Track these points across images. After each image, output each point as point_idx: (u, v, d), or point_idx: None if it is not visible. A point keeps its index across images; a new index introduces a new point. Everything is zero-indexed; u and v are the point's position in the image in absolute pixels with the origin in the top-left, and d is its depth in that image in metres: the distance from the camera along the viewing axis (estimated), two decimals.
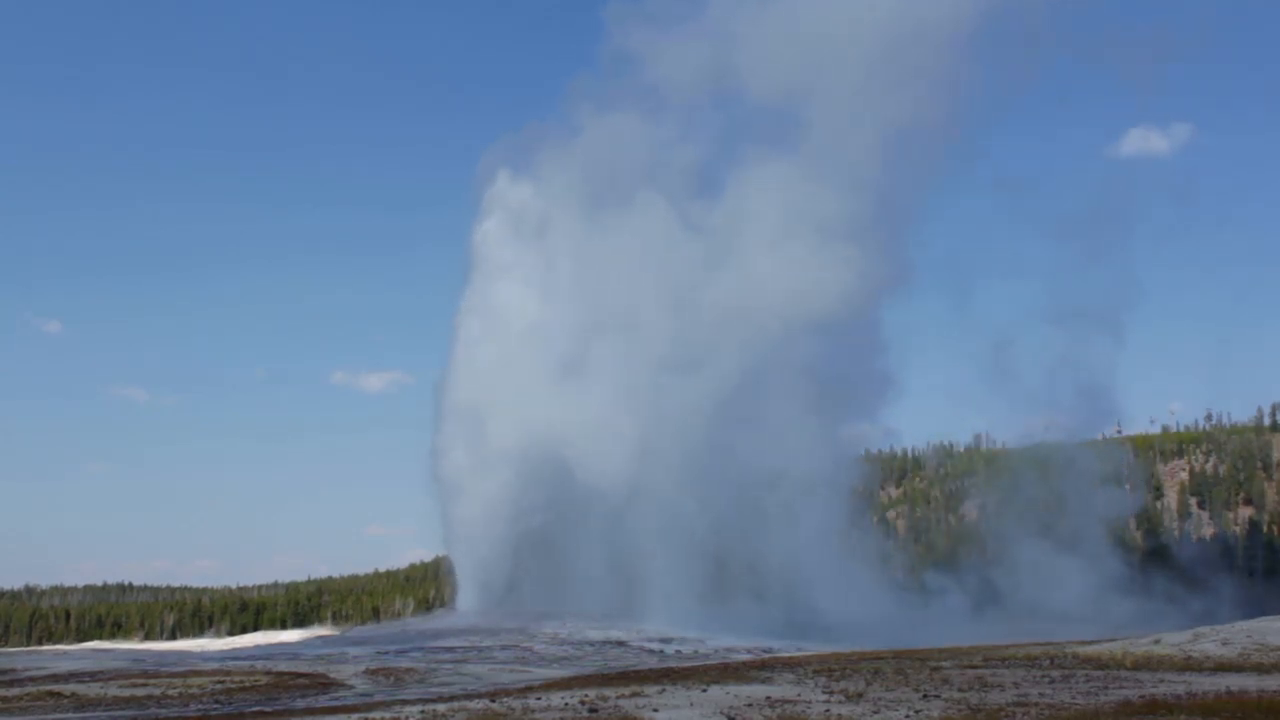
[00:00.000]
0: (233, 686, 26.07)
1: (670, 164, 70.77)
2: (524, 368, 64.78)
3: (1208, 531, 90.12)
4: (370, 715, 17.44)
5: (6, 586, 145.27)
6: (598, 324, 66.06)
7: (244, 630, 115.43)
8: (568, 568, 60.75)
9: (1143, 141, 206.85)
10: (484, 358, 66.03)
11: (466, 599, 61.35)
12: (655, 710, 17.05)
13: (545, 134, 75.17)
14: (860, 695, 18.54)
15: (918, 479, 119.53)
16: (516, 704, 18.00)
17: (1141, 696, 17.52)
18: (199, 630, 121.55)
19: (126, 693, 24.76)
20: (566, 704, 17.88)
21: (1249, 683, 19.46)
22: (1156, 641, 28.08)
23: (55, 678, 29.26)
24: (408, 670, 29.96)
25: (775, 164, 69.37)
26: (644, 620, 51.75)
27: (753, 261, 66.63)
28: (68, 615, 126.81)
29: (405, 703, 20.08)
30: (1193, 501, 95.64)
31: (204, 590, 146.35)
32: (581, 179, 70.16)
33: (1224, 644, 26.30)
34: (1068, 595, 64.07)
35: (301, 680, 27.50)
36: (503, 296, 68.32)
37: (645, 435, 61.56)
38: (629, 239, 67.32)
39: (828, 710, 16.70)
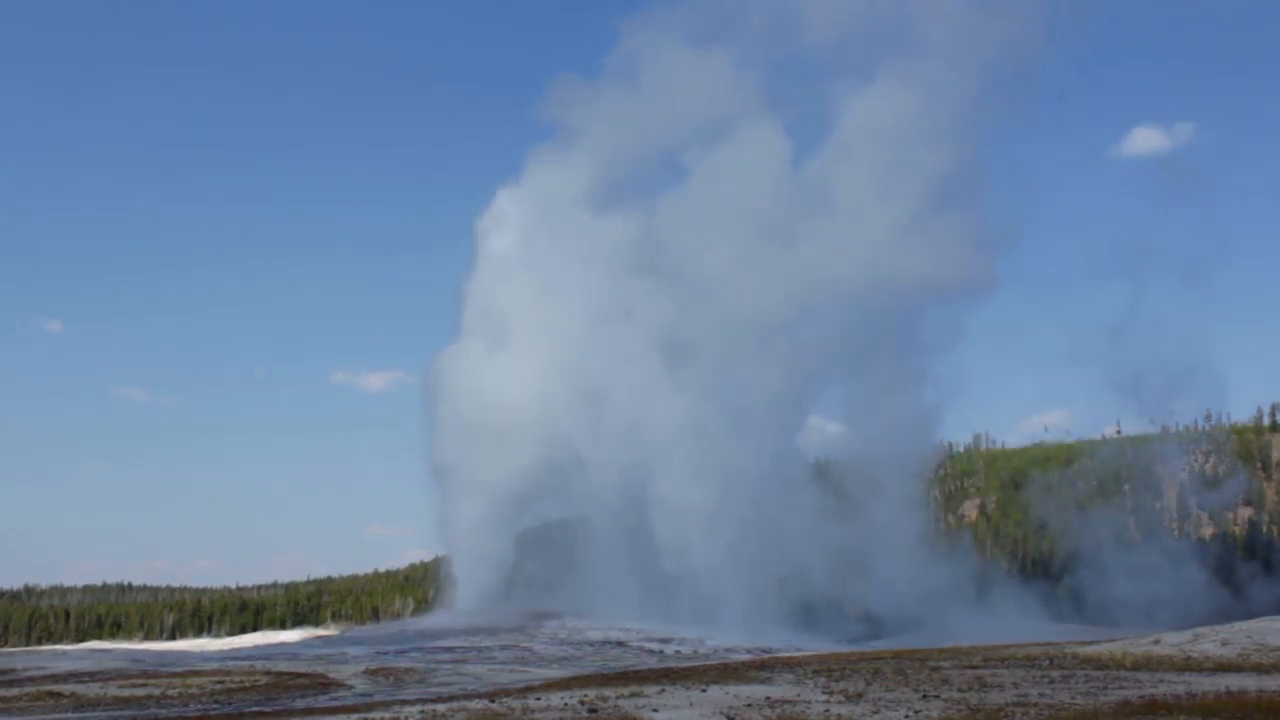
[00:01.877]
0: (232, 686, 26.07)
1: (749, 116, 63.64)
2: (542, 356, 60.41)
3: (1207, 531, 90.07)
4: (370, 715, 17.45)
5: (6, 586, 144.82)
6: (655, 295, 59.83)
7: (244, 630, 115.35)
8: (587, 568, 58.17)
9: (1146, 141, 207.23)
10: (490, 347, 62.13)
11: (466, 599, 60.86)
12: (655, 710, 17.05)
13: (603, 80, 68.54)
14: (860, 695, 18.54)
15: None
16: (516, 704, 18.00)
17: (1141, 697, 17.52)
18: (199, 630, 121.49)
19: (126, 693, 24.76)
20: (566, 704, 17.88)
21: (1248, 683, 19.46)
22: (1156, 642, 28.09)
23: (54, 678, 29.24)
24: (407, 670, 29.96)
25: (870, 110, 63.01)
26: (712, 631, 47.70)
27: (850, 222, 60.28)
28: (67, 615, 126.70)
29: (405, 703, 20.08)
30: (1192, 501, 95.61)
31: (204, 590, 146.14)
32: (649, 129, 63.56)
33: (1223, 644, 26.31)
34: (1150, 593, 59.93)
35: (301, 680, 27.49)
36: (519, 281, 62.76)
37: (708, 424, 56.22)
38: (725, 179, 60.21)
39: (827, 710, 16.70)
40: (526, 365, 61.07)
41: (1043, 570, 76.02)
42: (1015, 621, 56.86)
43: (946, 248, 60.68)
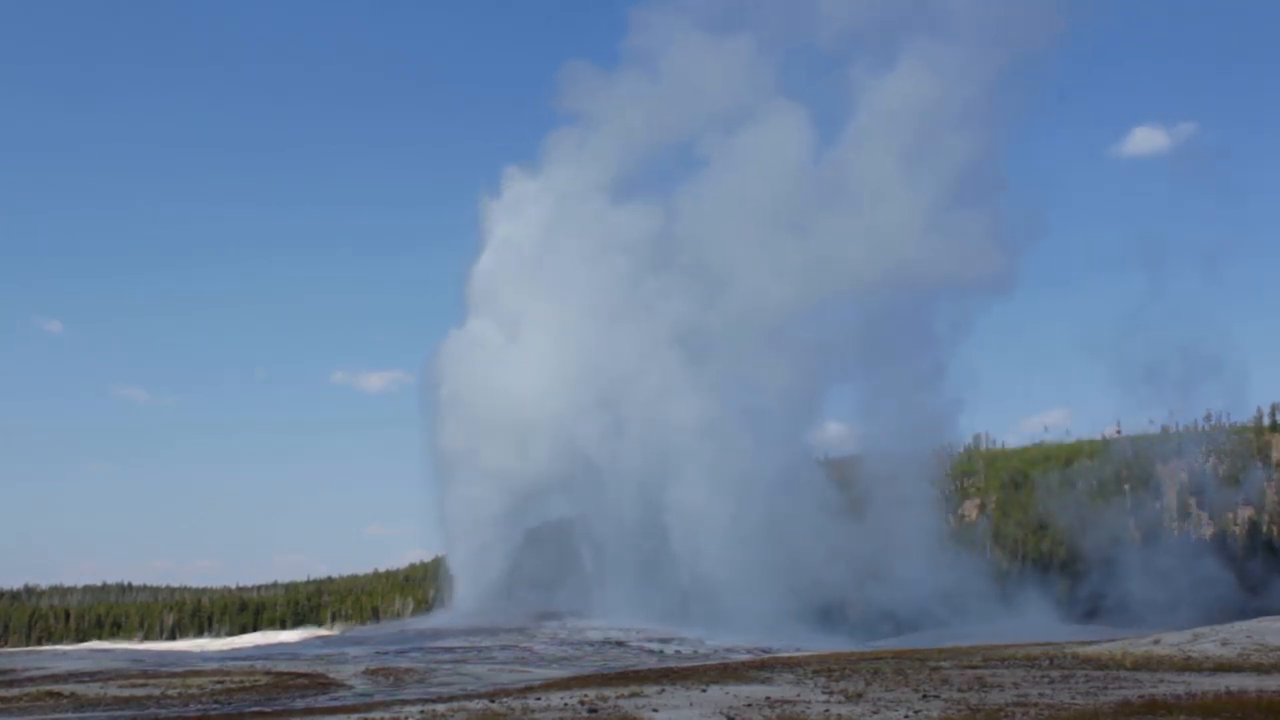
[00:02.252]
0: (232, 686, 26.06)
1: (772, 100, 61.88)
2: (547, 351, 58.77)
3: (1207, 531, 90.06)
4: (370, 715, 17.45)
5: (6, 586, 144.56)
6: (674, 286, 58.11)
7: (243, 630, 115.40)
8: (595, 568, 57.11)
9: (1147, 141, 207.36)
10: (494, 338, 60.91)
11: (466, 599, 60.56)
12: (655, 710, 17.05)
13: (617, 69, 66.58)
14: (860, 695, 18.53)
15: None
16: (516, 704, 18.00)
17: (1141, 696, 17.52)
18: (199, 630, 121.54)
19: (126, 693, 24.75)
20: (566, 704, 17.88)
21: (1248, 683, 19.46)
22: (1156, 641, 28.09)
23: (54, 678, 29.24)
24: (407, 670, 29.95)
25: (890, 96, 61.04)
26: (731, 635, 46.01)
27: (870, 215, 58.49)
28: (67, 615, 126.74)
29: (405, 703, 20.08)
30: (1192, 501, 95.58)
31: (204, 590, 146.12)
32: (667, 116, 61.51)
33: (1223, 644, 26.31)
34: (1173, 592, 58.40)
35: (301, 680, 27.49)
36: (527, 267, 61.00)
37: (724, 424, 54.60)
38: (744, 169, 58.63)
39: (827, 710, 16.70)
40: (532, 358, 59.71)
41: (1043, 570, 75.86)
42: (1038, 621, 55.77)
43: (968, 242, 59.50)
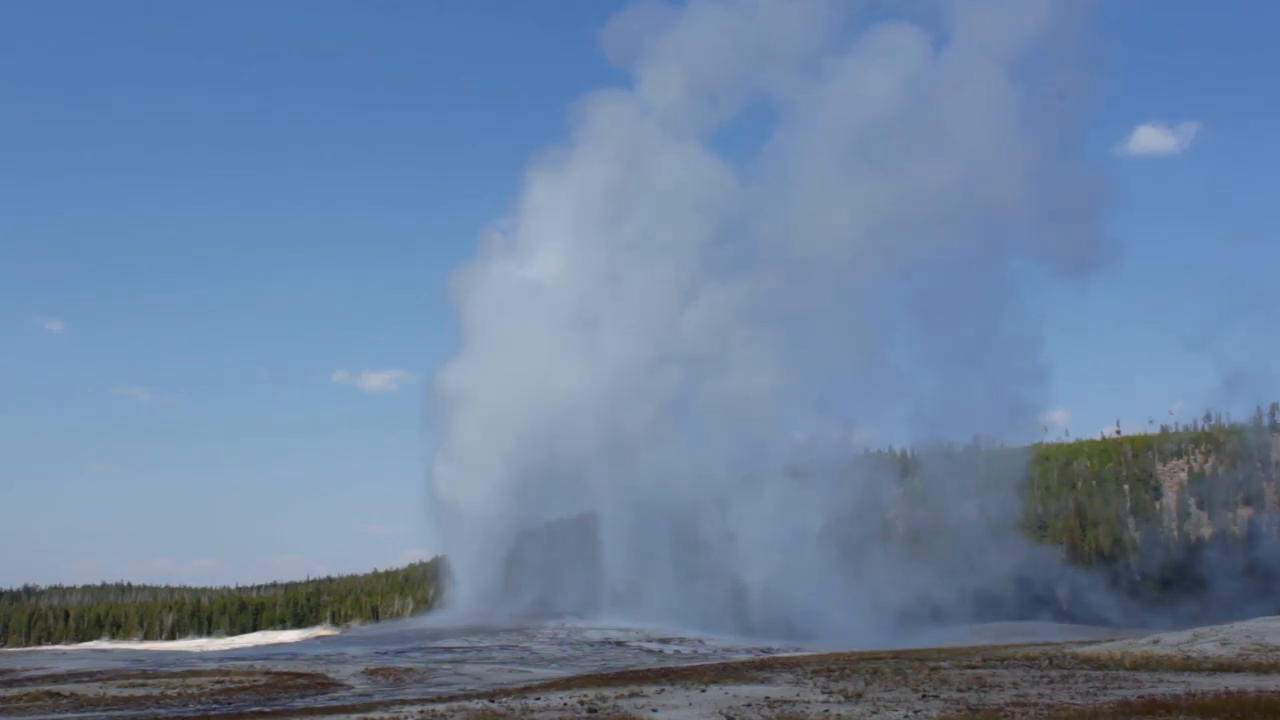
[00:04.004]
0: (232, 687, 26.06)
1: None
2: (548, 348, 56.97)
3: (1206, 532, 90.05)
4: (369, 715, 17.45)
5: (6, 586, 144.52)
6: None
7: (243, 630, 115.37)
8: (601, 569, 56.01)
9: (1150, 140, 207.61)
10: (500, 338, 59.13)
11: (465, 599, 60.35)
12: (654, 710, 17.05)
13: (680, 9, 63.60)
14: (859, 695, 18.53)
15: (917, 478, 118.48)
16: (515, 704, 18.00)
17: (1140, 696, 17.52)
18: (198, 630, 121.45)
19: (125, 693, 24.75)
20: (565, 704, 17.89)
21: (1247, 683, 19.46)
22: (1155, 642, 28.08)
23: (54, 678, 29.24)
24: (406, 670, 29.96)
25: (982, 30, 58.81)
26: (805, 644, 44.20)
27: (963, 172, 56.21)
28: (67, 615, 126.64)
29: (404, 703, 20.08)
30: (1191, 501, 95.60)
31: (203, 590, 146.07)
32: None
33: (1223, 644, 26.30)
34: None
35: (300, 680, 27.49)
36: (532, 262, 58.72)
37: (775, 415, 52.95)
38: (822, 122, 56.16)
39: (826, 710, 16.70)
40: (571, 329, 57.80)
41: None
42: (1116, 611, 54.39)
43: (1069, 210, 58.14)
